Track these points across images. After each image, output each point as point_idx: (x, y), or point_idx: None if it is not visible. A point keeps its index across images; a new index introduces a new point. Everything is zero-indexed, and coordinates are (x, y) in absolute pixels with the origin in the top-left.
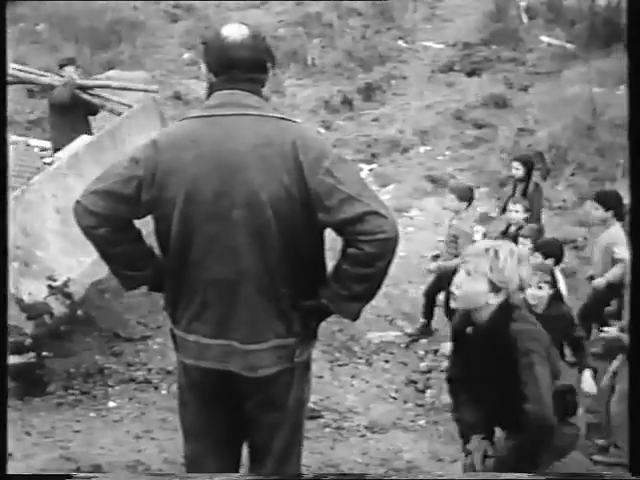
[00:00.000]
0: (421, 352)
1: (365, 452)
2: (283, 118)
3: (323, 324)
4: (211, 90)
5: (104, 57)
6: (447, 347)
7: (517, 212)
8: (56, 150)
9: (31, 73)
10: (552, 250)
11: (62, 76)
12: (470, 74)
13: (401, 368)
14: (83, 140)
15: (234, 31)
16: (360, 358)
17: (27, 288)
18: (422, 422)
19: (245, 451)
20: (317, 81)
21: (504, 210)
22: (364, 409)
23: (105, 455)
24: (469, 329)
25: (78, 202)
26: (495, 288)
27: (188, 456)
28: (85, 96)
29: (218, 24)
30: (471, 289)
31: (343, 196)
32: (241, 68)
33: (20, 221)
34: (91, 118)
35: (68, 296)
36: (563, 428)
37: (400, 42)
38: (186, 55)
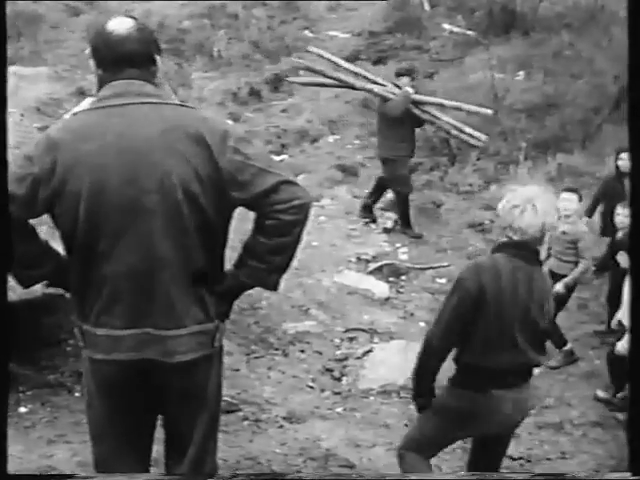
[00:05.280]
0: (337, 340)
1: (284, 443)
2: (182, 105)
3: (238, 317)
4: (101, 83)
5: None
6: None
7: (626, 216)
8: (383, 159)
9: (365, 78)
10: None
11: (398, 86)
12: (376, 62)
13: (317, 357)
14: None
15: (119, 25)
16: (276, 349)
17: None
18: (339, 410)
19: (159, 446)
20: (224, 73)
21: (593, 210)
22: (282, 400)
23: (12, 462)
24: None
25: None
26: None
27: (97, 458)
28: (416, 111)
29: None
30: None
31: (254, 170)
32: (131, 61)
33: None
34: None
35: None
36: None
37: (306, 32)
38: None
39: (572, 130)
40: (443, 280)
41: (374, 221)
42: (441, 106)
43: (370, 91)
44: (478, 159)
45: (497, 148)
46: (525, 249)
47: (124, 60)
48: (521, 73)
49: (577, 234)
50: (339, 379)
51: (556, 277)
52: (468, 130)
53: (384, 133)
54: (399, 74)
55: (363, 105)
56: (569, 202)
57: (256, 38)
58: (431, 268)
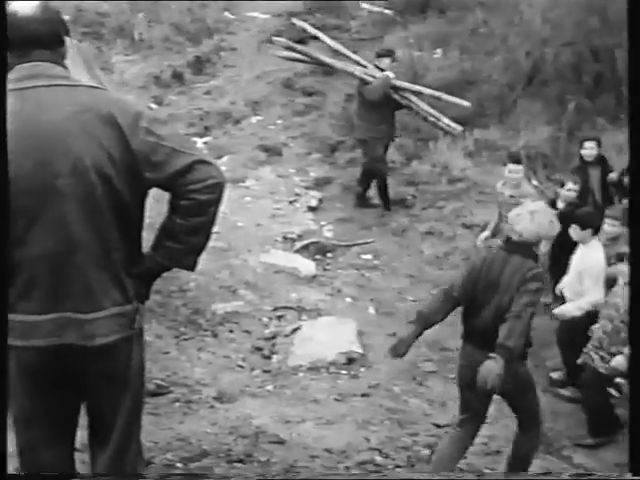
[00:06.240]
0: (265, 319)
1: (214, 422)
2: (93, 86)
3: (166, 300)
4: (9, 66)
5: None
6: None
7: (569, 190)
8: (360, 140)
9: (347, 57)
10: (589, 221)
11: (379, 68)
12: (297, 43)
13: (246, 336)
14: None
15: (23, 6)
16: (206, 330)
17: None
18: (269, 387)
19: (82, 432)
20: (146, 56)
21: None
22: (212, 380)
23: None
24: None
25: None
26: None
27: (21, 447)
28: (395, 96)
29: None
30: None
31: (168, 150)
32: (38, 43)
33: None
34: None
35: None
36: None
37: (226, 14)
38: None
39: (489, 106)
40: (368, 256)
41: (374, 206)
42: (419, 94)
43: (351, 74)
44: (399, 136)
45: (417, 125)
46: (518, 246)
47: (30, 41)
48: (439, 51)
49: (523, 194)
50: (269, 357)
51: None
52: (445, 120)
53: (363, 115)
54: (379, 55)
55: (285, 85)
56: (515, 172)
57: (176, 20)
58: (356, 245)
